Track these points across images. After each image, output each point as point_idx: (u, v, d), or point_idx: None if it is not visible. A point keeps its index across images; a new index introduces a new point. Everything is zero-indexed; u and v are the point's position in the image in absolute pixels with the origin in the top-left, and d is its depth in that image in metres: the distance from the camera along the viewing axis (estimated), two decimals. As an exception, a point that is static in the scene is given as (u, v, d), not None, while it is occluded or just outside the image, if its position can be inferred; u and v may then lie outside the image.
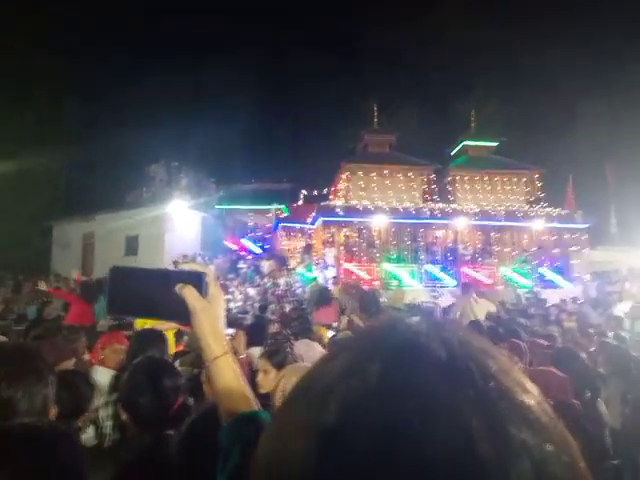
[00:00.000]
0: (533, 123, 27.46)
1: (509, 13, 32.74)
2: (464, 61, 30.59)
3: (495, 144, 18.60)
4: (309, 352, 3.59)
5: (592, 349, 4.62)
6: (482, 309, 7.34)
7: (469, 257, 16.33)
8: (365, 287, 12.25)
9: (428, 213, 15.72)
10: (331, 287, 13.06)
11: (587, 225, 16.30)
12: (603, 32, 26.25)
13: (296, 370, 2.06)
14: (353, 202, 16.15)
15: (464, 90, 29.43)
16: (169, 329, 3.90)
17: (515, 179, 17.63)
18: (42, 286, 8.06)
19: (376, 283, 14.59)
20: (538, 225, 16.08)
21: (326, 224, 15.86)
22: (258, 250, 21.69)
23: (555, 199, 17.09)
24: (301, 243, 19.51)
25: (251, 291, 14.82)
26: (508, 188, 17.47)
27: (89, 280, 13.35)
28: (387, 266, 15.65)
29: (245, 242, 22.41)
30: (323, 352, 3.77)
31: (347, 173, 17.13)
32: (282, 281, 15.81)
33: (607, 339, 5.16)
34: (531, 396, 0.36)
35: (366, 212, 15.50)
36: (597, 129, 24.09)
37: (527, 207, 16.86)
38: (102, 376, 3.01)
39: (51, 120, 23.53)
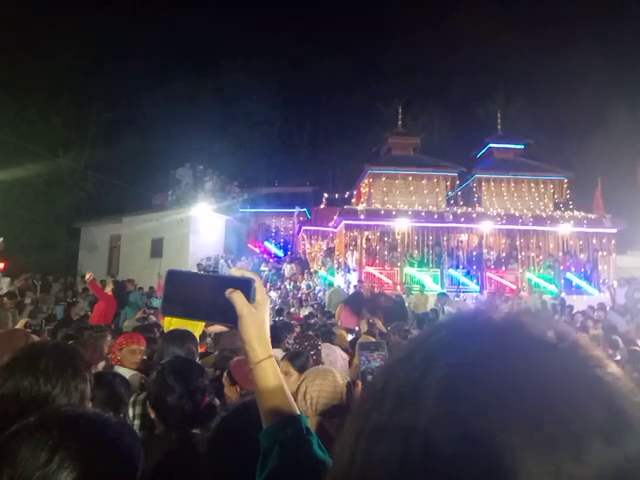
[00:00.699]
0: (561, 125, 26.84)
1: (538, 14, 32.20)
2: (490, 63, 30.14)
3: (521, 146, 18.22)
4: (330, 356, 3.58)
5: (617, 357, 4.51)
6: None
7: (493, 262, 16.08)
8: (388, 293, 12.11)
9: (452, 217, 15.54)
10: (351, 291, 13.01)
11: (615, 230, 15.82)
12: (633, 34, 25.55)
13: (318, 373, 2.07)
14: (376, 205, 16.07)
15: (490, 92, 29.17)
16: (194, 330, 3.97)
17: (542, 182, 17.18)
18: (89, 276, 8.95)
19: (397, 287, 14.47)
20: (565, 229, 15.72)
21: (348, 227, 15.79)
22: (280, 253, 21.82)
23: (583, 203, 16.66)
24: (323, 246, 19.53)
25: (272, 294, 14.90)
26: (535, 191, 17.04)
27: (122, 281, 13.76)
28: (409, 270, 15.55)
29: (268, 245, 22.56)
30: (344, 356, 3.78)
31: (371, 177, 17.07)
32: (303, 284, 15.85)
33: (637, 347, 5.03)
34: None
35: (389, 215, 15.35)
36: (627, 131, 23.48)
37: (554, 211, 16.51)
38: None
39: (79, 123, 24.01)
